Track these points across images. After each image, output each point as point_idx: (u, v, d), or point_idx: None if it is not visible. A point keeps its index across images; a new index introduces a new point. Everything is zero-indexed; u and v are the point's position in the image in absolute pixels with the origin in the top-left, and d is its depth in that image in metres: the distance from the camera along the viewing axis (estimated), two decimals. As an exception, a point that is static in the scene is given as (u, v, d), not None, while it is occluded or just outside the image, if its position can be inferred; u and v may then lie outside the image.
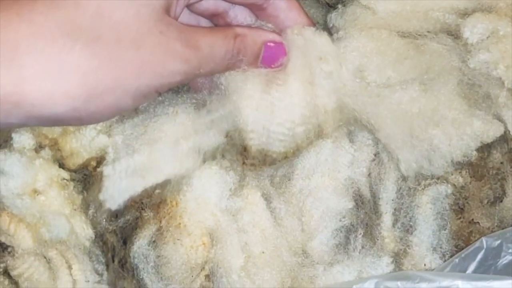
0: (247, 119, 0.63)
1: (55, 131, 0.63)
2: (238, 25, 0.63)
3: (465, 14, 0.63)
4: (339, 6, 0.65)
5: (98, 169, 0.64)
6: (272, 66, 0.63)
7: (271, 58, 0.62)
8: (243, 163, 0.64)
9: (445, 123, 0.61)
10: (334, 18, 0.65)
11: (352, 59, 0.63)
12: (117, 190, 0.62)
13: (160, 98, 0.64)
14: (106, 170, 0.62)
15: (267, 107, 0.63)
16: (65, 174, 0.63)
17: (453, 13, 0.64)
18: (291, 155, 0.63)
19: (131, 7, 0.52)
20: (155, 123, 0.63)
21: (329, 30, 0.65)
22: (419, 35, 0.64)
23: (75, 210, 0.63)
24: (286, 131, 0.63)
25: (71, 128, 0.63)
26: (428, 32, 0.64)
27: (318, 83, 0.62)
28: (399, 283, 0.56)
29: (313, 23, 0.64)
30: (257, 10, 0.63)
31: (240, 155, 0.64)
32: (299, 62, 0.62)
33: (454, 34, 0.64)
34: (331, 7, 0.68)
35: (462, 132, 0.61)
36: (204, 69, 0.58)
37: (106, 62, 0.51)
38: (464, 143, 0.61)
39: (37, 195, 0.61)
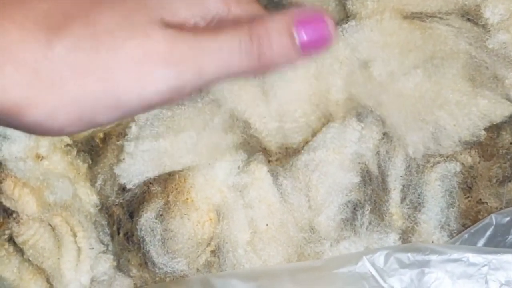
0: (255, 121, 0.63)
1: None
2: None
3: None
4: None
5: (112, 141, 0.64)
6: (319, 47, 0.48)
7: (312, 39, 0.48)
8: (269, 161, 0.64)
9: (449, 105, 0.62)
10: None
11: (360, 51, 0.63)
12: (136, 170, 0.62)
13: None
14: (128, 147, 0.62)
15: (270, 104, 0.63)
16: (68, 140, 0.63)
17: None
18: (310, 138, 0.64)
19: (121, 12, 0.47)
20: (180, 109, 0.63)
21: (342, 5, 0.65)
22: (430, 16, 0.64)
23: (79, 175, 0.63)
24: (298, 123, 0.63)
25: None
26: (441, 13, 0.65)
27: (324, 75, 0.63)
28: (409, 254, 0.56)
29: None
30: None
31: (263, 155, 0.64)
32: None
33: (472, 15, 0.65)
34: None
35: (468, 112, 0.62)
36: (210, 68, 0.48)
37: (79, 71, 0.46)
38: (471, 123, 0.62)
39: (41, 160, 0.61)
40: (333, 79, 0.63)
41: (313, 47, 0.47)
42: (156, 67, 0.46)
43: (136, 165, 0.62)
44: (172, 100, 0.49)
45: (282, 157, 0.64)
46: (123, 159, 0.62)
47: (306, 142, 0.64)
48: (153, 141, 0.62)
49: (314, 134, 0.64)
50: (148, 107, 0.48)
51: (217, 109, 0.63)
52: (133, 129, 0.63)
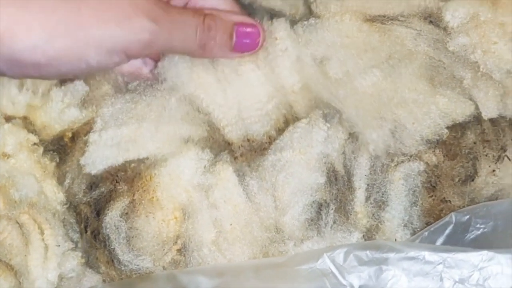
0: (215, 114, 0.67)
1: (20, 109, 0.66)
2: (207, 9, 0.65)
3: (447, -4, 0.67)
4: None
5: (80, 139, 0.67)
6: (247, 51, 0.65)
7: (246, 42, 0.65)
8: (235, 158, 0.67)
9: (407, 103, 0.65)
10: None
11: (316, 49, 0.67)
12: (99, 156, 0.65)
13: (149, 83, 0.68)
14: (92, 137, 0.65)
15: (228, 96, 0.67)
16: (34, 138, 0.65)
17: (436, -4, 0.68)
18: (274, 135, 0.67)
19: None
20: (144, 101, 0.67)
21: (308, 7, 0.70)
22: (391, 19, 0.68)
23: (45, 173, 0.65)
24: (256, 114, 0.67)
25: (37, 103, 0.66)
26: (403, 16, 0.68)
27: (277, 65, 0.67)
28: (368, 252, 0.59)
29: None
30: None
31: (228, 152, 0.67)
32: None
33: (435, 18, 0.68)
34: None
35: (427, 111, 0.65)
36: (176, 36, 0.60)
37: (71, 3, 0.54)
38: (432, 121, 0.65)
39: (7, 158, 0.64)
40: (289, 72, 0.67)
41: (244, 49, 0.63)
42: (140, 18, 0.57)
43: (100, 151, 0.65)
44: (145, 53, 0.62)
45: (246, 152, 0.67)
46: (88, 147, 0.65)
47: (269, 136, 0.67)
48: (116, 129, 0.65)
49: (276, 128, 0.67)
50: (128, 55, 0.59)
51: (179, 100, 0.67)
52: (98, 122, 0.66)
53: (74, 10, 0.54)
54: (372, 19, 0.67)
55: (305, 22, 0.67)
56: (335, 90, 0.66)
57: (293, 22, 0.69)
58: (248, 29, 0.64)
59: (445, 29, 0.67)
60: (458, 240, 0.61)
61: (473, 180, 0.67)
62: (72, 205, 0.67)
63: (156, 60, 0.67)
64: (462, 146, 0.67)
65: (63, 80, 0.66)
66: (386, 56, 0.66)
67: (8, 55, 0.53)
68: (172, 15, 0.60)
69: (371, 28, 0.67)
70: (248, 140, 0.67)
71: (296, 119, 0.67)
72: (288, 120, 0.68)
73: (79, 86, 0.66)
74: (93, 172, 0.65)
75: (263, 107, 0.67)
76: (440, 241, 0.61)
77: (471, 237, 0.62)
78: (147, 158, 0.66)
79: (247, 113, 0.67)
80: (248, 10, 0.71)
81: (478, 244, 0.60)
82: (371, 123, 0.65)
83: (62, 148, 0.68)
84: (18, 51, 0.53)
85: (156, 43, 0.59)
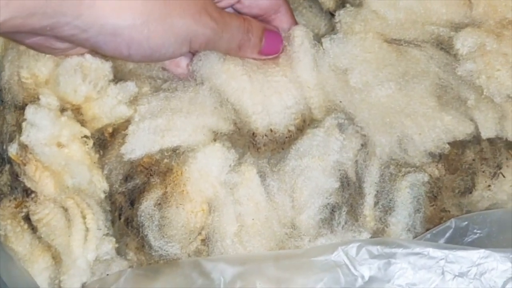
0: (244, 103, 0.74)
1: (79, 98, 0.71)
2: None
3: (458, 27, 0.74)
4: (348, 5, 0.77)
5: (119, 134, 0.72)
6: (271, 54, 0.75)
7: (271, 46, 0.74)
8: (257, 149, 0.73)
9: (416, 115, 0.72)
10: (342, 15, 0.76)
11: (340, 61, 0.75)
12: (138, 143, 0.71)
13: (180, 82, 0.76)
14: (131, 128, 0.71)
15: (255, 88, 0.74)
16: (86, 132, 0.70)
17: (447, 26, 0.75)
18: (294, 130, 0.74)
19: None
20: (177, 96, 0.73)
21: (332, 26, 0.78)
22: (407, 42, 0.75)
23: (93, 163, 0.70)
24: (279, 103, 0.74)
25: (94, 96, 0.71)
26: (418, 41, 0.76)
27: (294, 60, 0.75)
28: (378, 247, 0.64)
29: None
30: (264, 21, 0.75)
31: (252, 145, 0.74)
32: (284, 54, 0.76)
33: (446, 45, 0.75)
34: (333, 15, 0.79)
35: (433, 125, 0.72)
36: (225, 35, 0.69)
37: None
38: (436, 135, 0.72)
39: (61, 147, 0.68)
40: (305, 68, 0.75)
41: (269, 52, 0.74)
42: (206, 15, 0.66)
43: (138, 138, 0.71)
44: (200, 48, 0.70)
45: (268, 142, 0.73)
46: (127, 138, 0.71)
47: (289, 130, 0.73)
48: (152, 120, 0.71)
49: (295, 124, 0.74)
50: (191, 47, 0.67)
51: (210, 90, 0.74)
52: (136, 118, 0.72)
53: (164, 0, 0.64)
54: (390, 41, 0.75)
55: (334, 36, 0.75)
56: (350, 94, 0.73)
57: (319, 36, 0.78)
58: (274, 36, 0.75)
59: (455, 55, 0.74)
60: (457, 243, 0.67)
61: (470, 193, 0.73)
62: (108, 194, 0.72)
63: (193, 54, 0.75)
64: (462, 162, 0.74)
65: (119, 78, 0.73)
66: (403, 72, 0.73)
67: (111, 30, 0.62)
68: (225, 17, 0.69)
69: (390, 48, 0.74)
70: (271, 130, 0.73)
71: (312, 119, 0.74)
72: (306, 119, 0.74)
73: (131, 87, 0.73)
74: (132, 157, 0.71)
75: (283, 100, 0.74)
76: (441, 242, 0.67)
77: (469, 240, 0.67)
78: (180, 146, 0.71)
79: (271, 105, 0.74)
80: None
81: (475, 246, 0.65)
82: (381, 128, 0.72)
83: (102, 142, 0.73)
84: (119, 27, 0.62)
85: (212, 39, 0.69)
